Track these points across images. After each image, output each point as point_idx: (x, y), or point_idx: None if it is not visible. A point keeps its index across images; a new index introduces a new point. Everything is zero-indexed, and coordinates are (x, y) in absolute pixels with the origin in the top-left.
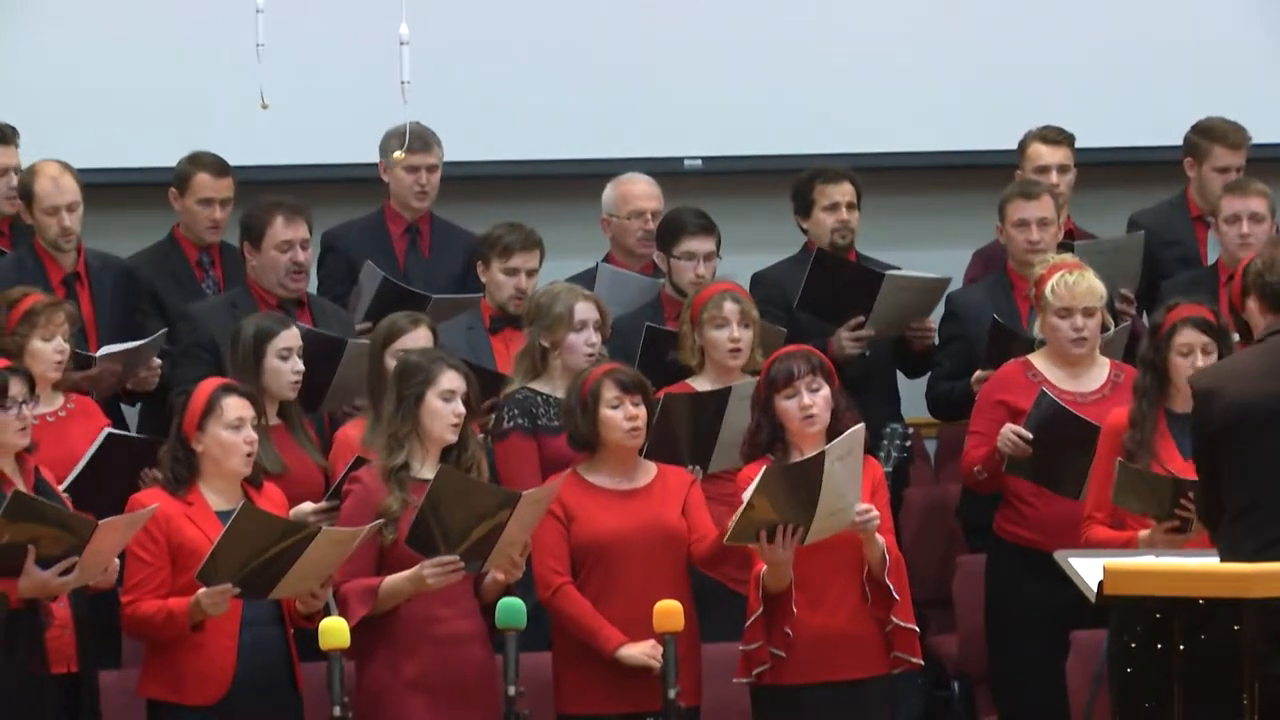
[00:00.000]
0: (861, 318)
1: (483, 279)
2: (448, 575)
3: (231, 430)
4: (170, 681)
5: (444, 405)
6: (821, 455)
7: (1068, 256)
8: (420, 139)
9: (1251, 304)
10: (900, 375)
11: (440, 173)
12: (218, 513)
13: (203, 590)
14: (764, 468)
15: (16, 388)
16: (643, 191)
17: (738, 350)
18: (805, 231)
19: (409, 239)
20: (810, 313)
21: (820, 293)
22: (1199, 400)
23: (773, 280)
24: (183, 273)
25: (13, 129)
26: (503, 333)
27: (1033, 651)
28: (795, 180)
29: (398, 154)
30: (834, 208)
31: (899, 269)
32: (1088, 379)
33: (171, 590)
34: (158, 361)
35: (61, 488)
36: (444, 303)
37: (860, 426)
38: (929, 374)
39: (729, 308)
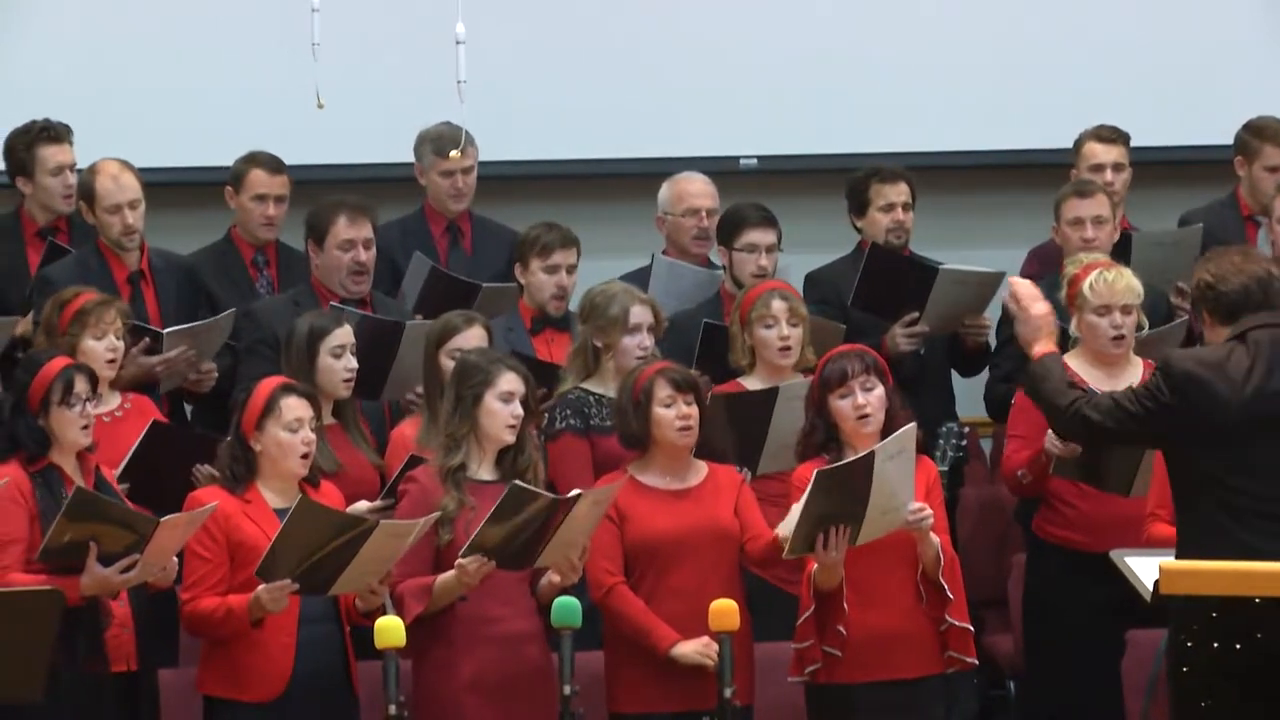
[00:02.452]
0: (916, 314)
1: (521, 280)
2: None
3: (289, 431)
4: (228, 678)
5: (502, 407)
6: (871, 455)
7: (1100, 255)
8: (454, 141)
9: (1205, 319)
10: (955, 374)
11: (476, 173)
12: (275, 510)
13: (262, 586)
14: (815, 473)
15: (81, 384)
16: (698, 190)
17: (787, 349)
18: (859, 230)
19: (450, 237)
20: (864, 309)
21: (875, 288)
22: (1189, 382)
23: (827, 280)
24: (237, 272)
25: (66, 127)
26: (543, 333)
27: (1077, 653)
28: (850, 179)
29: (454, 153)
30: (889, 208)
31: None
32: (1123, 378)
33: (230, 588)
34: (212, 365)
35: (114, 475)
36: (493, 292)
37: (912, 426)
38: (988, 374)
39: (777, 306)
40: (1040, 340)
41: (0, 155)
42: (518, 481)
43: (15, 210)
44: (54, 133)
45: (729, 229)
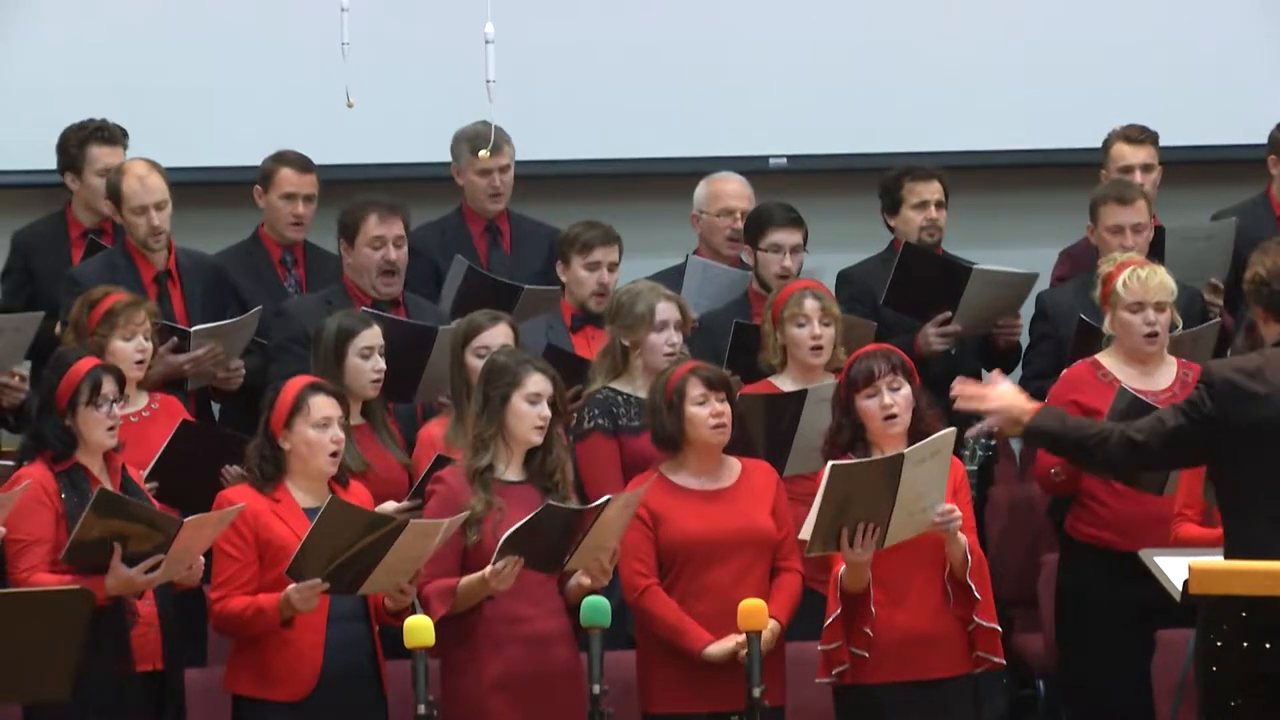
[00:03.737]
0: (948, 313)
1: (563, 278)
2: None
3: (318, 429)
4: (257, 677)
5: (529, 408)
6: (900, 457)
7: (1134, 254)
8: (488, 139)
9: (1258, 314)
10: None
11: (513, 172)
12: (305, 510)
13: (292, 586)
14: (829, 465)
15: (108, 386)
16: (734, 190)
17: (819, 348)
18: (892, 229)
19: (489, 237)
20: (897, 308)
21: (907, 287)
22: (1230, 389)
23: (859, 278)
24: (265, 271)
25: (122, 130)
26: (584, 330)
27: (1109, 652)
28: (883, 178)
29: (483, 153)
30: (923, 206)
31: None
32: (1157, 377)
33: (259, 587)
34: (240, 363)
35: (143, 475)
36: (534, 295)
37: (950, 431)
38: (1020, 373)
39: (809, 305)
40: (1020, 413)
41: (54, 149)
42: (551, 502)
43: (61, 212)
44: (108, 133)
45: (755, 228)
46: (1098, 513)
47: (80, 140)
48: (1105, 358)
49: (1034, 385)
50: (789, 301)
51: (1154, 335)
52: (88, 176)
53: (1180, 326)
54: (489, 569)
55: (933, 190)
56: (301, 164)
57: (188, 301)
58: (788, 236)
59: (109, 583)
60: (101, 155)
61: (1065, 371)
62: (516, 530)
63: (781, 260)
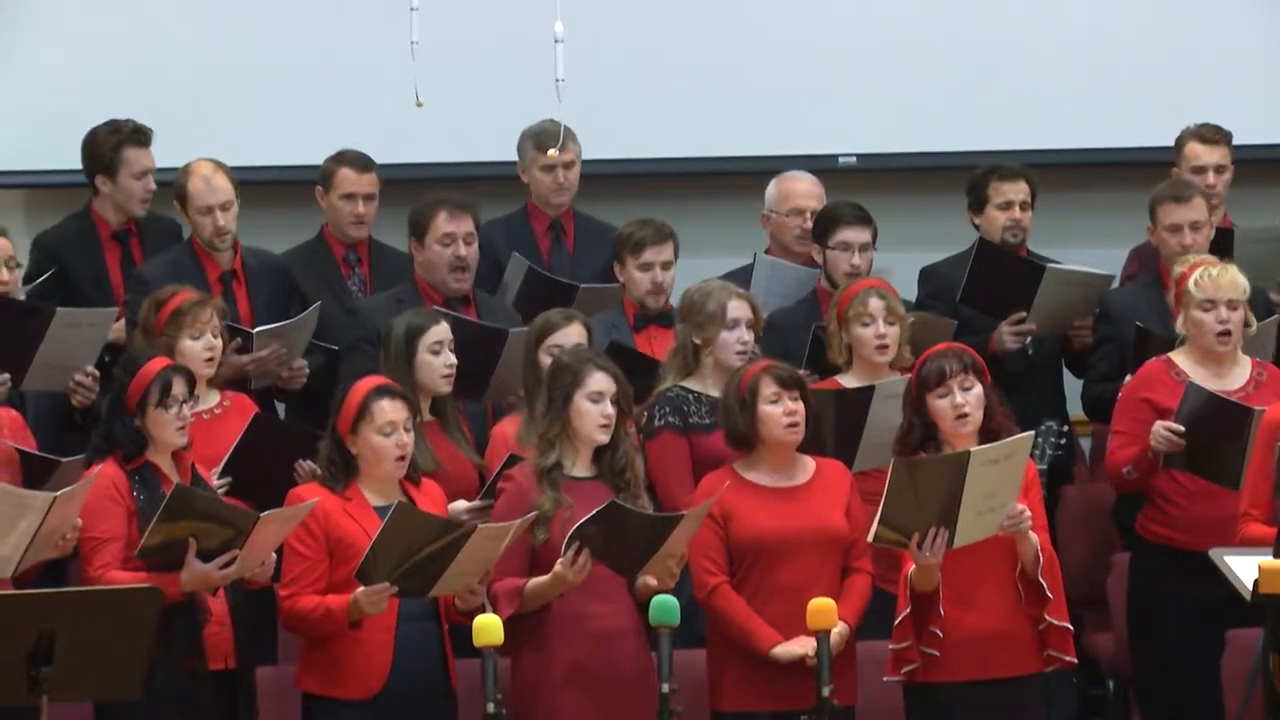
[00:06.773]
0: (1023, 312)
1: (620, 279)
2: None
3: (382, 435)
4: (327, 675)
5: (592, 407)
6: (966, 455)
7: (1208, 256)
8: (554, 137)
9: None
10: (1068, 375)
11: (578, 168)
12: (376, 508)
13: (361, 589)
14: (893, 460)
15: (179, 387)
16: (804, 190)
17: (884, 347)
18: (977, 227)
19: (553, 235)
20: (972, 305)
21: (982, 284)
22: None
23: (941, 275)
24: (329, 270)
25: (149, 131)
26: (646, 329)
27: (1181, 652)
28: (971, 175)
29: (551, 151)
30: (1008, 205)
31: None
32: (1231, 376)
33: (329, 584)
34: (303, 362)
35: (215, 472)
36: (591, 292)
37: (1027, 435)
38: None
39: (874, 304)
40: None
41: (81, 150)
42: (617, 500)
43: (85, 212)
44: (143, 135)
45: (824, 227)
46: (1169, 513)
47: (115, 143)
48: (1179, 357)
49: (1099, 387)
50: (854, 301)
51: (1226, 333)
52: (123, 178)
53: (1255, 326)
54: (559, 564)
55: (1018, 191)
56: (361, 163)
57: (253, 301)
58: (856, 234)
59: (184, 578)
60: (137, 157)
61: (1139, 370)
62: (584, 523)
63: (850, 258)
